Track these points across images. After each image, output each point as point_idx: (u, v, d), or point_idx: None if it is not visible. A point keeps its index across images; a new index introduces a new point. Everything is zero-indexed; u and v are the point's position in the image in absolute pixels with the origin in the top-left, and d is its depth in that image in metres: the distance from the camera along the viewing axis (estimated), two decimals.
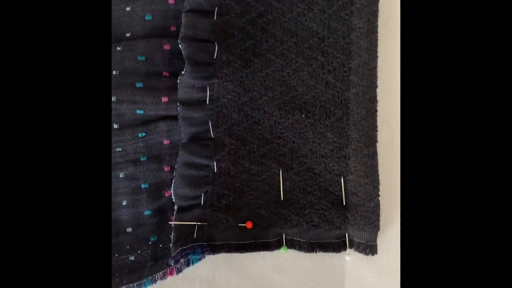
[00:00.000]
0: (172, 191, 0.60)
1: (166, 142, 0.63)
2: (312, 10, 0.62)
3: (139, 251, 0.61)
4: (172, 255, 0.57)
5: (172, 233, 0.59)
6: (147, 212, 0.62)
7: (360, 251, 0.60)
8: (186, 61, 0.59)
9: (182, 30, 0.60)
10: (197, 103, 0.61)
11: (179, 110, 0.60)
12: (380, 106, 0.61)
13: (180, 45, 0.60)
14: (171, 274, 0.59)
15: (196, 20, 0.60)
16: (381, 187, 0.60)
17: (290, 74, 0.61)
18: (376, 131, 0.61)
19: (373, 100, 0.61)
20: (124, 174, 0.62)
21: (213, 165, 0.60)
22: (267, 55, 0.61)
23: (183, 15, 0.61)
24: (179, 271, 0.59)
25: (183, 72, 0.60)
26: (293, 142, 0.61)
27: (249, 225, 0.59)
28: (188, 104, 0.61)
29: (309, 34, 0.62)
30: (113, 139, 0.62)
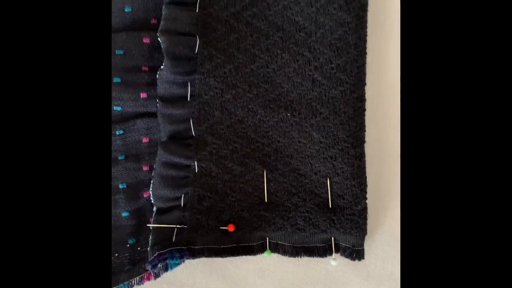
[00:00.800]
0: (150, 192, 0.57)
1: (145, 140, 0.60)
2: (299, 3, 0.59)
3: (116, 254, 0.59)
4: (149, 259, 0.55)
5: (150, 236, 0.56)
6: (124, 214, 0.59)
7: (347, 256, 0.57)
8: (165, 55, 0.57)
9: (162, 22, 0.57)
10: (178, 100, 0.58)
11: (159, 106, 0.58)
12: (368, 105, 0.59)
13: (159, 39, 0.57)
14: (148, 279, 0.56)
15: (177, 12, 0.57)
16: (368, 190, 0.58)
17: (275, 70, 0.59)
18: (364, 131, 0.58)
19: (361, 99, 0.58)
20: None
21: (194, 165, 0.57)
22: (252, 50, 0.59)
23: (163, 7, 0.58)
24: (156, 276, 0.56)
25: (162, 67, 0.57)
26: (278, 141, 0.58)
27: (231, 228, 0.56)
28: (168, 100, 0.58)
29: (296, 29, 0.59)
30: None
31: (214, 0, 0.59)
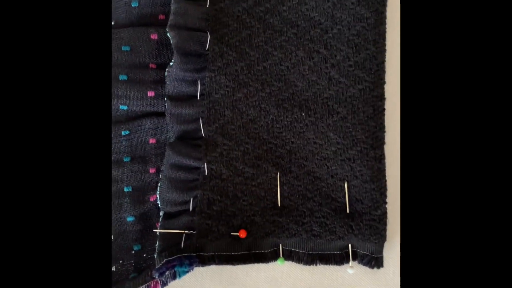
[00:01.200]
0: (157, 196, 0.54)
1: (152, 141, 0.57)
2: None
3: (120, 261, 0.56)
4: (157, 266, 0.52)
5: (157, 242, 0.53)
6: (130, 219, 0.56)
7: (365, 264, 0.54)
8: (175, 51, 0.54)
9: (171, 17, 0.54)
10: (187, 99, 0.55)
11: (167, 105, 0.55)
12: (388, 105, 0.56)
13: (168, 34, 0.54)
14: (155, 287, 0.53)
15: (187, 6, 0.55)
16: (388, 194, 0.55)
17: (289, 68, 0.56)
18: (384, 131, 0.55)
19: (381, 98, 0.55)
20: None
21: (204, 167, 0.54)
22: (265, 47, 0.56)
23: (172, 1, 0.55)
24: (164, 284, 0.53)
25: (171, 64, 0.54)
26: (292, 143, 0.55)
27: (242, 234, 0.53)
28: (176, 99, 0.55)
29: (311, 25, 0.56)
30: None
31: None
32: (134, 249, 0.56)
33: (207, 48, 0.55)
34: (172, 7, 0.55)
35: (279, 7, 0.57)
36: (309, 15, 0.56)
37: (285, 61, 0.56)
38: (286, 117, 0.55)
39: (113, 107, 0.56)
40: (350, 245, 0.54)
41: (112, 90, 0.56)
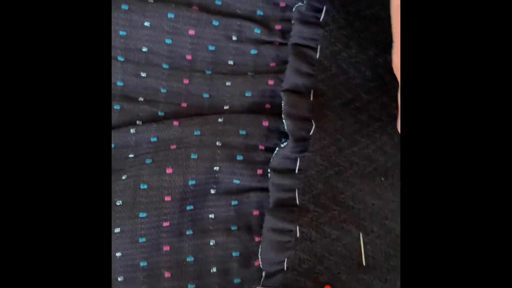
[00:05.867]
0: (259, 256, 0.63)
1: (255, 213, 0.67)
2: None
3: None
4: None
5: None
6: (236, 280, 0.64)
7: None
8: (290, 137, 0.64)
9: (284, 107, 0.65)
10: (287, 172, 0.65)
11: (270, 176, 0.65)
12: None
13: (284, 121, 0.65)
14: None
15: (296, 99, 0.66)
16: None
17: (375, 150, 0.65)
18: None
19: None
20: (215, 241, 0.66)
21: (296, 230, 0.62)
22: (353, 136, 0.66)
23: (282, 93, 0.66)
24: None
25: (283, 146, 0.65)
26: (373, 204, 0.62)
27: None
28: (279, 171, 0.65)
29: None
30: (207, 204, 0.67)
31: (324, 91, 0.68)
32: None
33: (310, 134, 0.65)
34: (283, 98, 0.66)
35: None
36: None
37: (371, 145, 0.66)
38: (368, 185, 0.63)
39: (226, 180, 0.68)
40: None
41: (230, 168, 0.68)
